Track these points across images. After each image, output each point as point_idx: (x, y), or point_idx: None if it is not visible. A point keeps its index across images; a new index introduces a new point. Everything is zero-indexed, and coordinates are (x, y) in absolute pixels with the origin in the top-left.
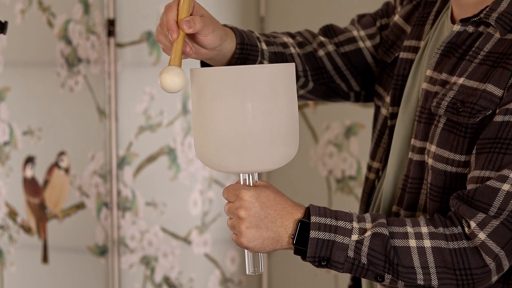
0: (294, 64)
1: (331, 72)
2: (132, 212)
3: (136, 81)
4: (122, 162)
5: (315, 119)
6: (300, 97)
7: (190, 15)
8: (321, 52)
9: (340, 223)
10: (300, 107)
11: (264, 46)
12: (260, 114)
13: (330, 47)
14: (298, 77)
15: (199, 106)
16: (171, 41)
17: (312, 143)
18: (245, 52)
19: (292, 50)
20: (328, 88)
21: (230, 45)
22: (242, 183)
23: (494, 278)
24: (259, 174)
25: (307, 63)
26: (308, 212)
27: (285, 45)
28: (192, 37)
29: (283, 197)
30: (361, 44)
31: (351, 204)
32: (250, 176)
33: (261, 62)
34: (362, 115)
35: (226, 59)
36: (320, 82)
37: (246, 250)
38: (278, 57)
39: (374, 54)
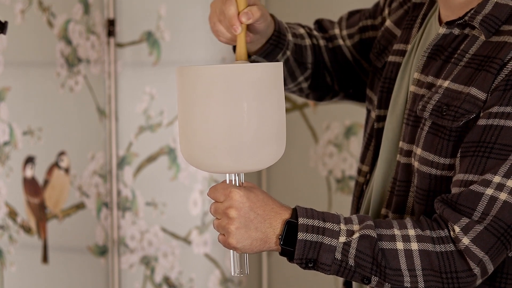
0: (282, 63)
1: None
2: (132, 212)
3: (136, 81)
4: (122, 162)
5: (315, 119)
6: (299, 90)
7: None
8: (320, 45)
9: (328, 225)
10: (300, 107)
11: (290, 37)
12: (253, 113)
13: (321, 42)
14: (305, 69)
15: (187, 106)
16: (233, 33)
17: (312, 143)
18: (277, 40)
19: (307, 41)
20: (318, 83)
21: (270, 31)
22: (228, 183)
23: (479, 281)
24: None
25: (313, 55)
26: (295, 213)
27: (302, 36)
28: None
29: (271, 198)
30: (341, 42)
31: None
32: (237, 176)
33: (284, 53)
34: (362, 115)
35: (261, 43)
36: (315, 76)
37: (232, 251)
38: (297, 49)
39: (354, 54)
